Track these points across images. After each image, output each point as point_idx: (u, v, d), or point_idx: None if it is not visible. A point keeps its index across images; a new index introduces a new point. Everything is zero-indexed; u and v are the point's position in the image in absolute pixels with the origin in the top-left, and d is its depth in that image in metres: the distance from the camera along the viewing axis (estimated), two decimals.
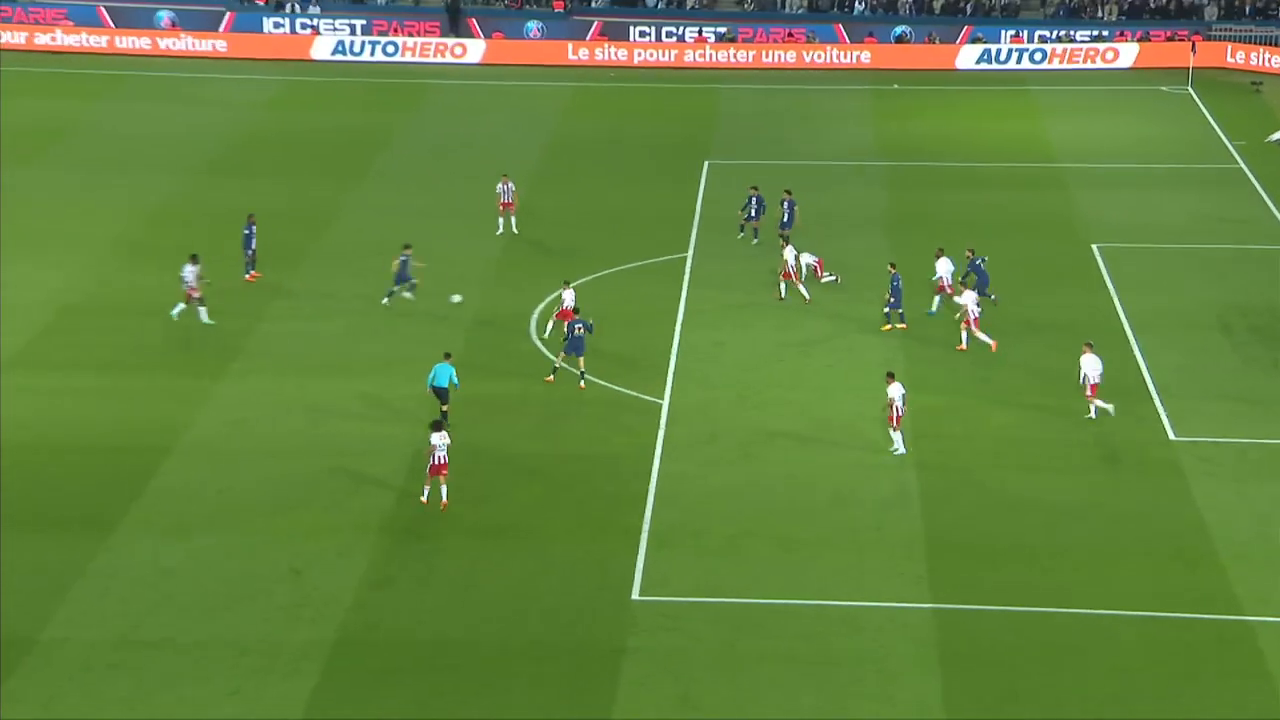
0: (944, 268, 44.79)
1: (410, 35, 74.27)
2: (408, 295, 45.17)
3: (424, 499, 35.15)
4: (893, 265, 44.71)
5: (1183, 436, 38.60)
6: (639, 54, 72.90)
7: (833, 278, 46.94)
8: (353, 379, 41.07)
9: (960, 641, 30.59)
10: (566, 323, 41.63)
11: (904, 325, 43.99)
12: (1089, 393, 39.17)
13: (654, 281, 47.86)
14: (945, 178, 57.35)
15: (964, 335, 43.01)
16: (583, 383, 40.66)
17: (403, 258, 45.20)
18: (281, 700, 28.82)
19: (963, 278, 44.84)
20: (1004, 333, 43.64)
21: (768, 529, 34.45)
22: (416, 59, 73.10)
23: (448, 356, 38.40)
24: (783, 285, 46.02)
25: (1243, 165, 58.52)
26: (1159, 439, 38.52)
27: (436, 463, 34.89)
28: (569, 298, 43.05)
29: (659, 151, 60.57)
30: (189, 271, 43.90)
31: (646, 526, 34.42)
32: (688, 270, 48.82)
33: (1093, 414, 39.12)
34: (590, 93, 69.01)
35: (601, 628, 30.93)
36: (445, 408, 37.49)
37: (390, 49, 73.41)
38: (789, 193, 50.37)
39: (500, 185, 51.66)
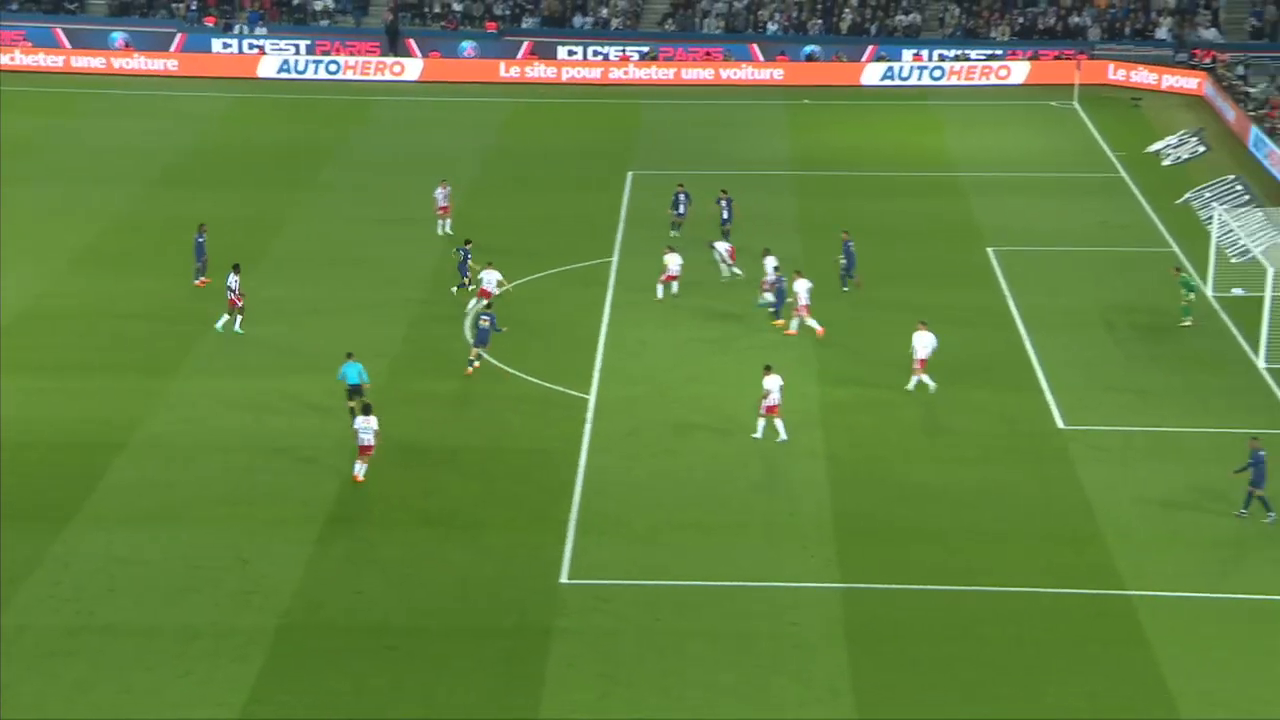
0: (770, 265, 44.91)
1: (352, 54, 73.65)
2: (454, 290, 45.28)
3: (359, 478, 34.99)
4: (778, 269, 44.81)
5: (1071, 425, 38.87)
6: (567, 72, 72.68)
7: (738, 273, 47.02)
8: (298, 377, 40.62)
9: (868, 618, 30.65)
10: (473, 315, 41.62)
11: (781, 321, 44.10)
12: (917, 366, 39.57)
13: (581, 284, 47.74)
14: (853, 186, 57.51)
15: (794, 322, 43.29)
16: (472, 367, 40.76)
17: (462, 251, 45.54)
18: (230, 682, 28.43)
19: (839, 259, 46.20)
20: (905, 330, 43.75)
21: (688, 516, 34.41)
22: (358, 77, 72.52)
23: (350, 356, 38.19)
24: (660, 287, 45.96)
25: (1124, 175, 59.05)
26: (1049, 428, 38.77)
27: (362, 444, 34.89)
28: (489, 278, 43.20)
29: (586, 162, 60.45)
30: (233, 281, 43.18)
31: (575, 515, 34.29)
32: (613, 273, 48.74)
33: (911, 386, 39.72)
34: (522, 108, 68.74)
35: (532, 610, 30.76)
36: (365, 401, 37.30)
37: (333, 68, 72.78)
38: (725, 191, 50.69)
39: (439, 190, 51.41)
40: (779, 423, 37.48)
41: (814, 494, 35.39)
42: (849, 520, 34.26)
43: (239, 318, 43.17)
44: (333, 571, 32.07)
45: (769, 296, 44.52)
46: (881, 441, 38.02)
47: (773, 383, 37.34)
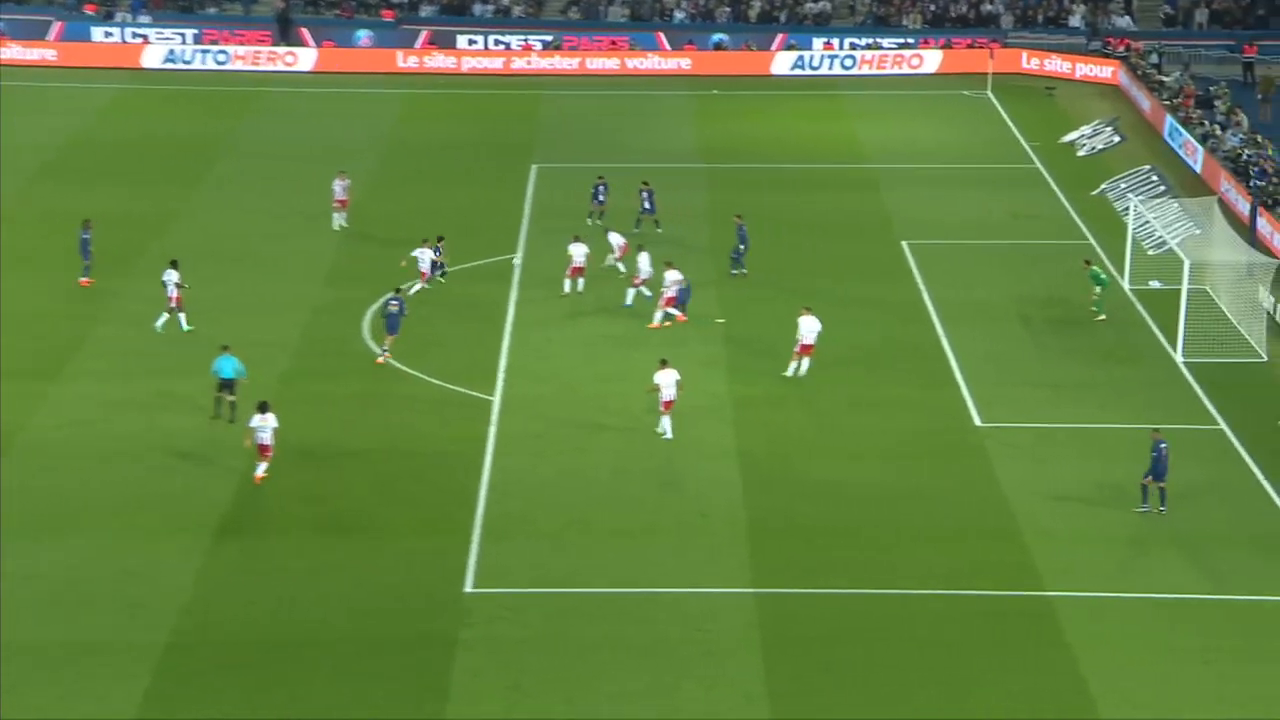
0: (644, 262, 45.19)
1: (241, 44, 72.79)
2: (422, 286, 45.49)
3: (257, 476, 34.88)
4: (669, 264, 45.00)
5: (987, 422, 39.21)
6: (467, 62, 72.30)
7: (622, 268, 47.11)
8: (187, 379, 39.98)
9: (782, 623, 30.72)
10: (382, 301, 41.96)
11: (681, 318, 44.33)
12: (797, 350, 40.56)
13: (485, 281, 47.48)
14: (763, 178, 57.72)
15: (658, 315, 43.81)
16: (383, 356, 40.91)
17: (435, 250, 45.70)
18: (115, 702, 27.89)
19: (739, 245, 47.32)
20: (829, 327, 43.87)
21: (597, 519, 34.34)
22: (248, 67, 71.69)
23: (226, 349, 38.07)
24: (567, 282, 45.99)
25: (1039, 165, 59.71)
26: (965, 425, 39.08)
27: (260, 443, 34.70)
28: (424, 258, 44.58)
29: (488, 155, 60.14)
30: (173, 276, 42.71)
31: (479, 520, 34.11)
32: (517, 269, 48.54)
33: (789, 371, 40.66)
34: (421, 99, 68.27)
35: (436, 620, 30.52)
36: (233, 398, 37.25)
37: (221, 58, 71.89)
38: (646, 183, 51.52)
39: (337, 182, 51.14)
40: (666, 420, 37.55)
41: (726, 494, 35.44)
42: (763, 521, 34.33)
43: (182, 314, 42.76)
44: (225, 582, 31.62)
45: (642, 291, 44.73)
46: (795, 439, 38.15)
47: (665, 378, 37.43)
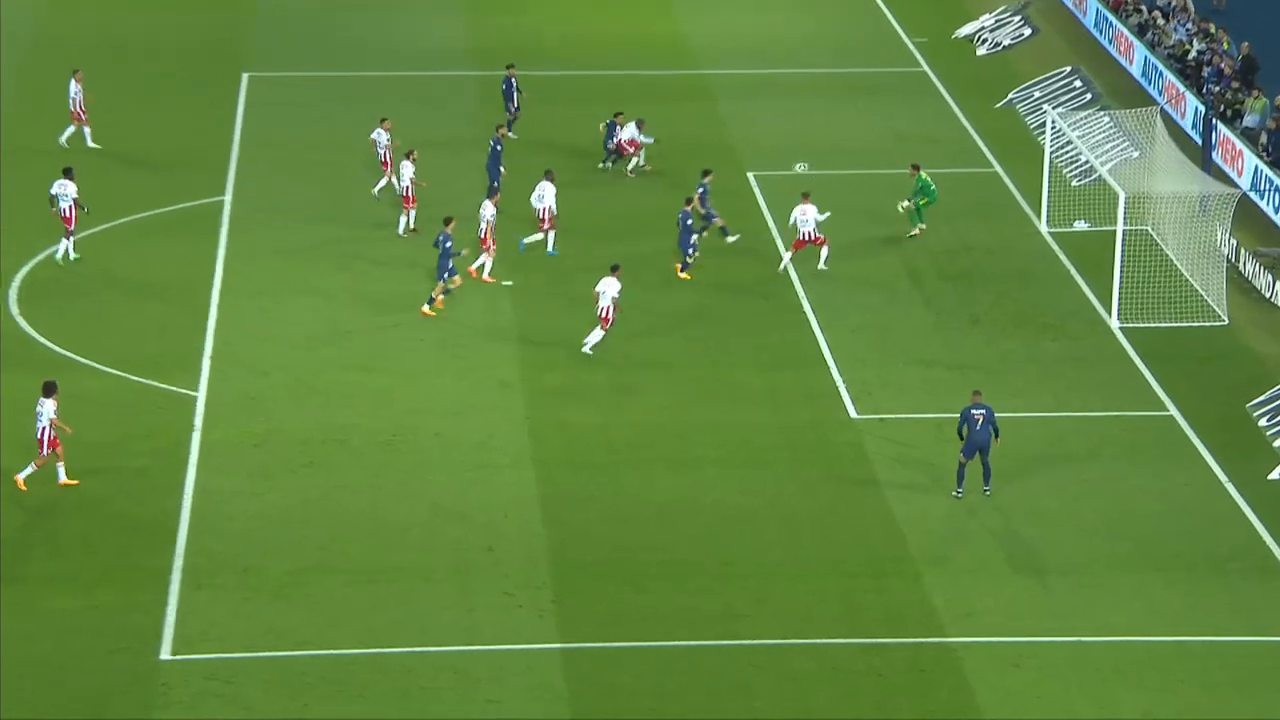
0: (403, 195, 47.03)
1: None
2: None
3: (21, 480, 35.66)
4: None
5: (866, 414, 39.89)
6: None
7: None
8: None
9: (598, 688, 30.99)
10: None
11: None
12: (794, 246, 45.67)
13: (180, 234, 47.32)
14: (559, 89, 57.92)
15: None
16: (440, 297, 43.30)
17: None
18: None
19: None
20: (641, 288, 44.21)
21: (343, 558, 34.34)
22: None
23: None
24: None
25: (926, 69, 60.78)
26: (838, 418, 39.72)
27: (38, 435, 35.58)
28: (381, 140, 47.92)
29: (178, 60, 59.95)
30: (67, 189, 44.62)
31: (179, 563, 33.94)
32: (226, 218, 48.38)
33: (782, 266, 45.91)
34: None
35: (121, 699, 30.30)
36: (49, 380, 37.18)
37: None
38: (511, 67, 53.74)
39: (73, 84, 51.89)
40: (595, 334, 40.70)
41: (520, 519, 35.63)
42: (569, 554, 34.56)
43: (72, 239, 44.75)
44: None
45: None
46: (610, 444, 38.44)
47: (606, 286, 40.71)
